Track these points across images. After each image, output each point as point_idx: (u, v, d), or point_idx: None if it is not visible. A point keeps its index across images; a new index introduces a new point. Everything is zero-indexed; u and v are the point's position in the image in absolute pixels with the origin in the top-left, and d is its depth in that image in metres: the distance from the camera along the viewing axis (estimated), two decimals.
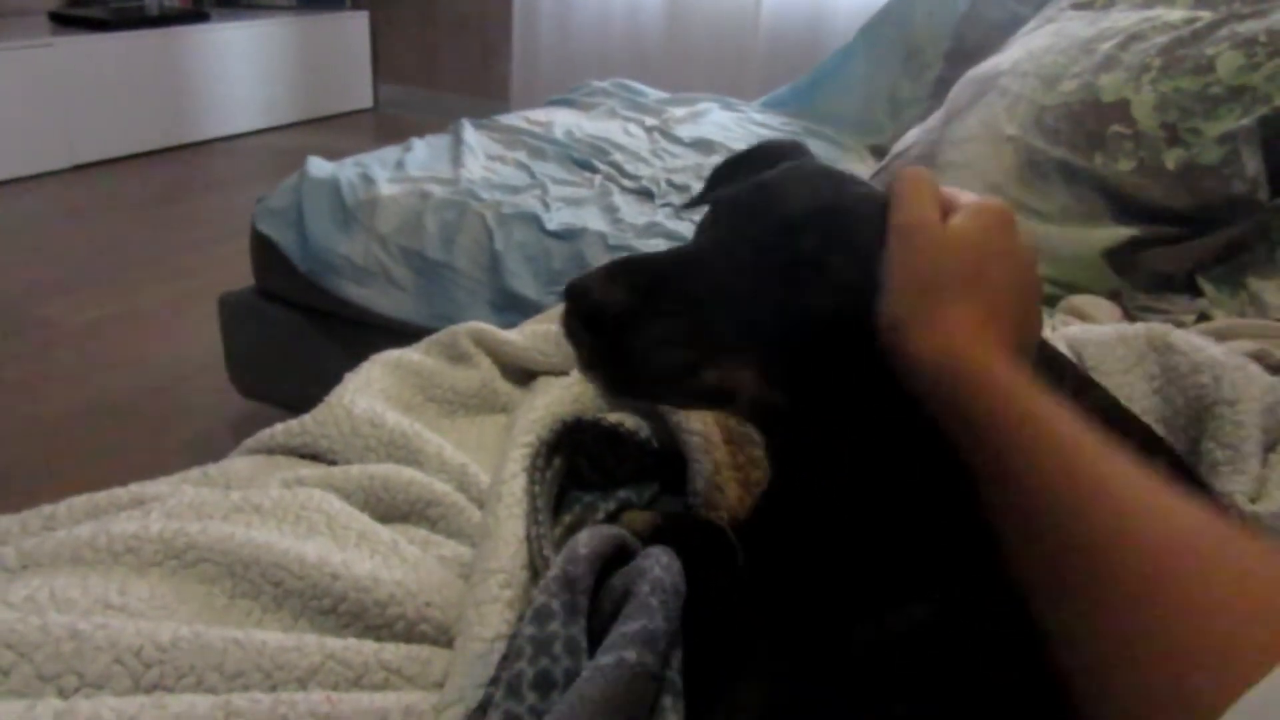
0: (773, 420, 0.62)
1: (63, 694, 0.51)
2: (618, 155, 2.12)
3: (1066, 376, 0.64)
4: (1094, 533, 0.41)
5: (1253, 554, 0.40)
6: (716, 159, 2.14)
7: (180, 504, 0.69)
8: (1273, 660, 0.34)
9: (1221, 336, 1.09)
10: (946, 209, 0.55)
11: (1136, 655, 0.38)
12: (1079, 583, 0.41)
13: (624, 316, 0.51)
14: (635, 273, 0.53)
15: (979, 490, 0.48)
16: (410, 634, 0.65)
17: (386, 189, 1.89)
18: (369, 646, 0.61)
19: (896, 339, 0.52)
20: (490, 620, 0.61)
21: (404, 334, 1.39)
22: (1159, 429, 0.81)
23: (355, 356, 1.01)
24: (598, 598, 0.64)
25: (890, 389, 0.53)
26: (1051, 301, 1.37)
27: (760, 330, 0.54)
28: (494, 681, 0.58)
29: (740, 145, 2.24)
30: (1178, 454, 0.67)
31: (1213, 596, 0.38)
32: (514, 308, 1.63)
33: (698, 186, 1.97)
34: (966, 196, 0.56)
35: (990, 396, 0.48)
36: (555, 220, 1.76)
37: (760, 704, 0.61)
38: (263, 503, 0.70)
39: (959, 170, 1.57)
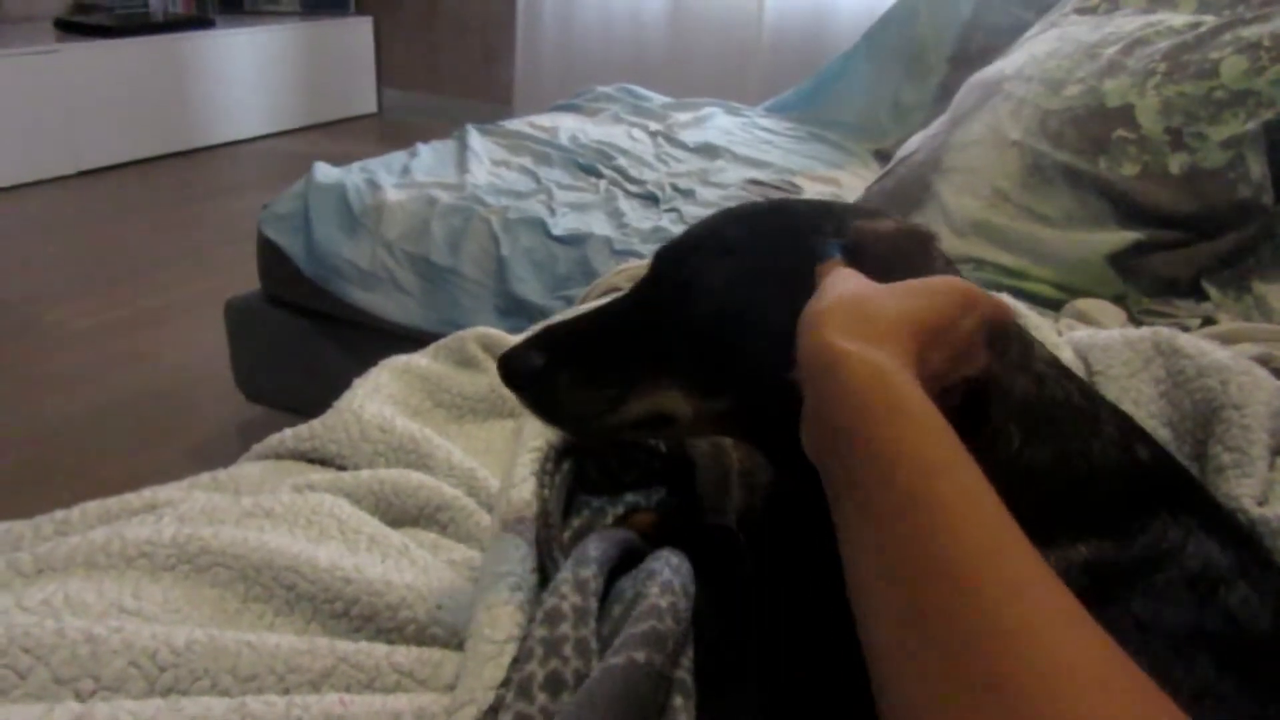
0: (740, 428, 0.68)
1: (79, 697, 0.51)
2: (622, 160, 2.12)
3: (1072, 387, 0.64)
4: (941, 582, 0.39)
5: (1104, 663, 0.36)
6: (721, 164, 2.15)
7: (193, 509, 0.69)
8: None
9: (1227, 341, 1.10)
10: None
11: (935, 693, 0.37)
12: (902, 609, 0.40)
13: (539, 374, 0.64)
14: (551, 336, 0.67)
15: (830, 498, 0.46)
16: (421, 637, 0.65)
17: (393, 194, 1.89)
18: (380, 649, 0.62)
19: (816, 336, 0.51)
20: (501, 623, 0.62)
21: (410, 339, 1.39)
22: (1165, 433, 0.81)
23: (361, 361, 1.02)
24: (607, 600, 0.64)
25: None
26: (1056, 306, 1.38)
27: (663, 358, 0.64)
28: (505, 683, 0.58)
29: (744, 150, 2.25)
30: (1180, 465, 0.68)
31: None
32: (520, 313, 1.64)
33: (702, 191, 1.98)
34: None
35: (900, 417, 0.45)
36: (561, 225, 1.76)
37: (770, 703, 0.62)
38: (274, 508, 0.71)
39: (963, 175, 1.58)
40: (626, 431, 0.68)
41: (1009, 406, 0.60)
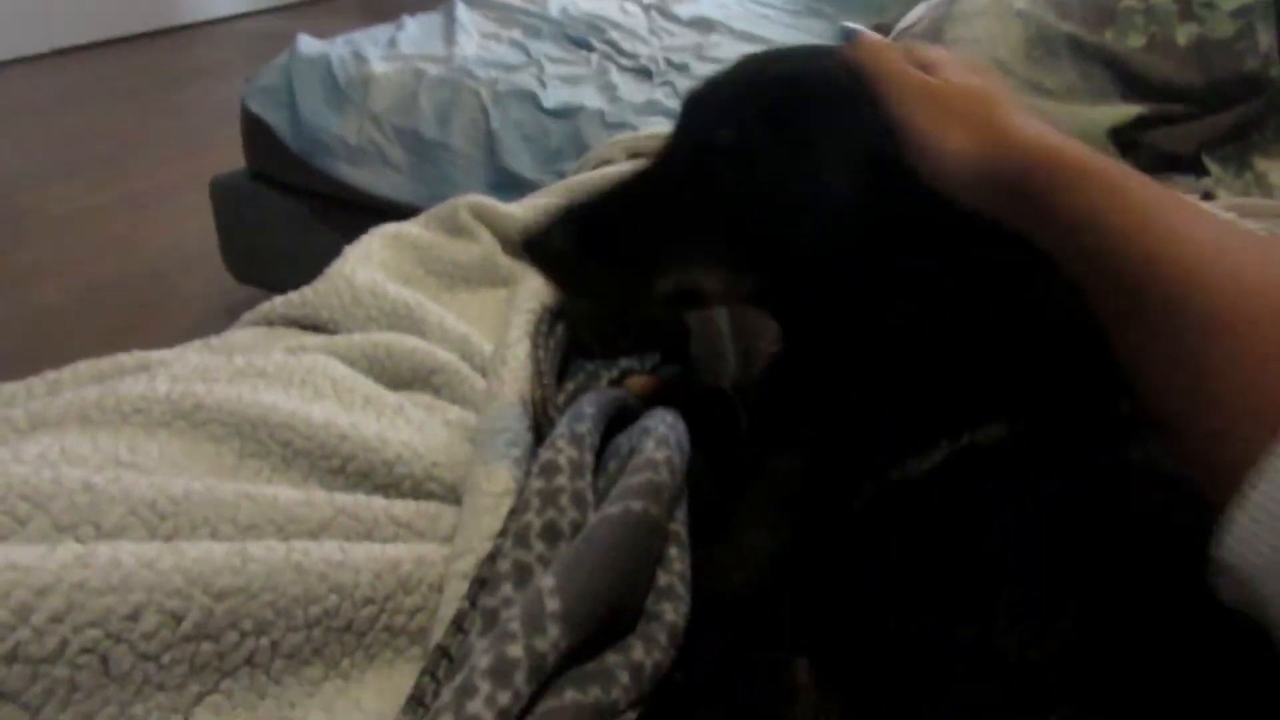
0: (767, 300, 0.65)
1: (80, 543, 0.51)
2: (614, 33, 2.06)
3: None
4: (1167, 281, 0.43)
5: None
6: (716, 38, 2.10)
7: (185, 368, 0.69)
8: None
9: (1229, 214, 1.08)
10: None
11: (1199, 400, 0.40)
12: (1151, 329, 0.43)
13: (566, 254, 0.62)
14: (576, 214, 0.63)
15: (1076, 278, 0.48)
16: (418, 493, 0.66)
17: (379, 67, 1.84)
18: (379, 502, 0.62)
19: (950, 161, 0.52)
20: (498, 476, 0.62)
21: (400, 216, 1.37)
22: None
23: (352, 239, 0.99)
24: (603, 457, 0.65)
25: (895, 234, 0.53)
26: None
27: (693, 232, 0.60)
28: (502, 533, 0.59)
29: (739, 25, 2.18)
30: None
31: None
32: (512, 187, 1.61)
33: (697, 65, 1.93)
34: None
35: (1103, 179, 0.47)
36: (552, 98, 1.72)
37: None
38: (267, 367, 0.70)
39: (966, 46, 1.53)
40: (654, 308, 0.66)
41: None
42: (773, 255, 0.59)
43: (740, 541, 0.60)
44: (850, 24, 0.60)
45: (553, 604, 0.50)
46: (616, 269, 0.62)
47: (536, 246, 0.63)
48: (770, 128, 0.58)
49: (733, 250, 0.60)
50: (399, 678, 0.56)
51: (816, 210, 0.57)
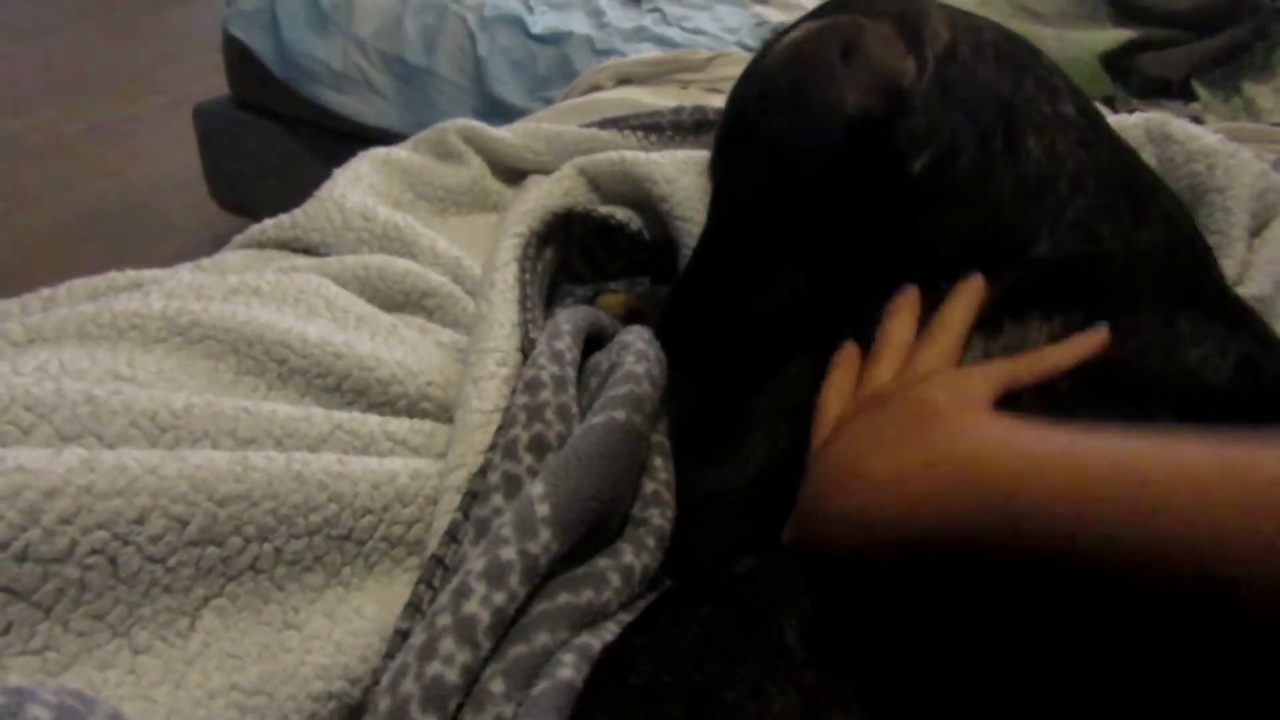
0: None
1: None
2: None
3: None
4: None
5: None
6: None
7: (179, 286, 0.69)
8: None
9: None
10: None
11: None
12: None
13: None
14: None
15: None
16: (412, 411, 0.67)
17: None
18: (375, 419, 0.63)
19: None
20: (488, 394, 0.63)
21: (387, 143, 1.36)
22: None
23: (338, 166, 0.99)
24: (583, 374, 0.66)
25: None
26: None
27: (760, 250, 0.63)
28: (492, 448, 0.60)
29: None
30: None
31: None
32: (499, 114, 1.60)
33: None
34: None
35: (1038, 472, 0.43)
36: (540, 24, 1.70)
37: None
38: (260, 285, 0.71)
39: None
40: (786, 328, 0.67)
41: None
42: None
43: (744, 445, 0.62)
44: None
45: (543, 509, 0.52)
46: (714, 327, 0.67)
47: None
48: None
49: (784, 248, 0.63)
50: (397, 586, 0.58)
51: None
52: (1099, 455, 0.42)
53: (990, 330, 0.58)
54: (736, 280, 0.64)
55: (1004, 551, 0.43)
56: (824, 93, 0.57)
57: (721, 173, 0.66)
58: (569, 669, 0.47)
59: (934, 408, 0.49)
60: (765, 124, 0.60)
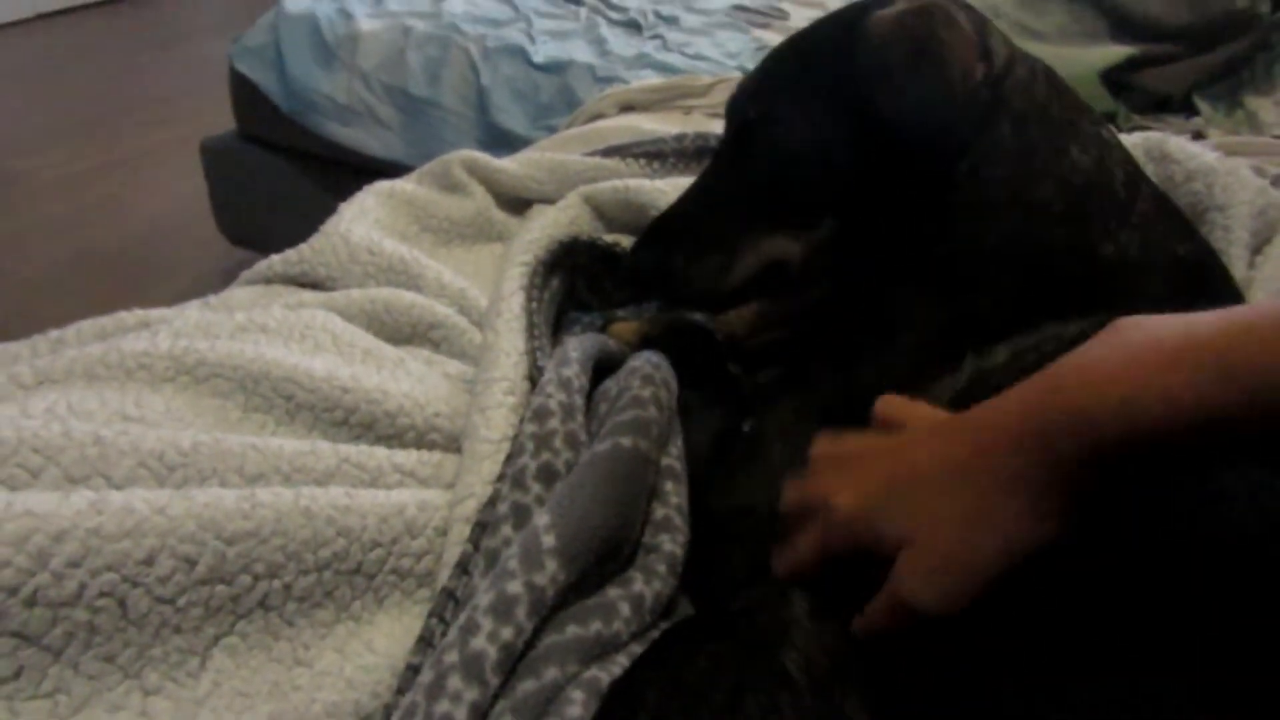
0: (846, 251, 0.67)
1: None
2: None
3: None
4: None
5: None
6: None
7: (187, 324, 0.70)
8: None
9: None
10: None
11: None
12: None
13: (657, 267, 0.69)
14: (656, 229, 0.71)
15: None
16: (420, 443, 0.67)
17: (366, 24, 1.83)
18: (382, 452, 0.63)
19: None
20: (496, 423, 0.63)
21: (393, 174, 1.37)
22: None
23: (345, 199, 1.00)
24: (593, 400, 0.66)
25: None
26: None
27: (759, 205, 0.66)
28: (500, 478, 0.60)
29: None
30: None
31: None
32: (503, 144, 1.61)
33: (686, 17, 1.92)
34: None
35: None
36: (542, 53, 1.71)
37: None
38: (268, 322, 0.71)
39: None
40: (748, 290, 0.70)
41: None
42: (824, 198, 0.65)
43: (770, 457, 0.62)
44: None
45: (549, 539, 0.52)
46: (701, 261, 0.68)
47: (632, 270, 0.71)
48: (780, 94, 0.66)
49: (792, 207, 0.66)
50: (408, 619, 0.58)
51: (835, 149, 0.64)
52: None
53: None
54: (733, 228, 0.67)
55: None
56: (947, 66, 0.59)
57: (767, 118, 0.67)
58: (577, 706, 0.47)
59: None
60: (878, 83, 0.61)
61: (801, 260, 0.67)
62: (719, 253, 0.67)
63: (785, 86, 0.66)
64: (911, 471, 0.46)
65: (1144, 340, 0.41)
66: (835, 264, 0.67)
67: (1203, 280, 0.62)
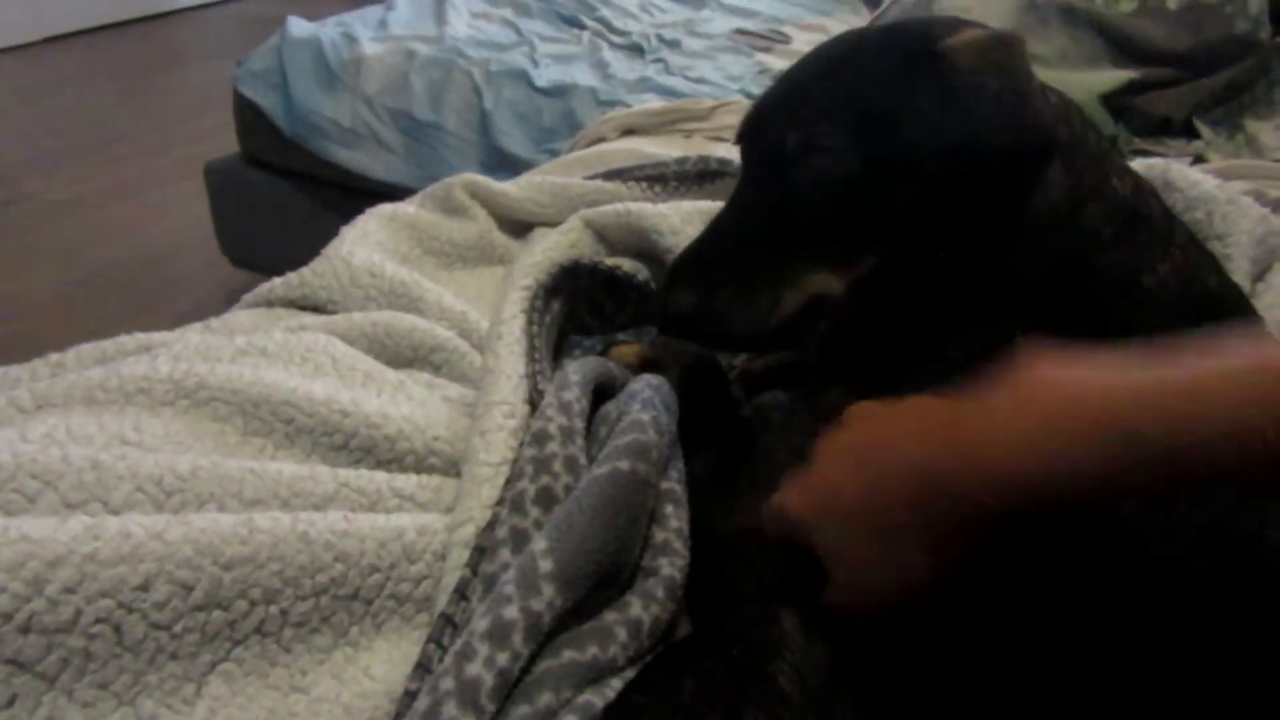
0: (889, 283, 0.64)
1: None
2: (605, 11, 2.06)
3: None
4: None
5: None
6: (707, 13, 2.09)
7: (187, 348, 0.70)
8: None
9: (1218, 178, 1.09)
10: None
11: None
12: None
13: (699, 310, 0.62)
14: (689, 268, 0.65)
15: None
16: (420, 467, 0.67)
17: (370, 48, 1.84)
18: (381, 476, 0.63)
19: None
20: (496, 447, 0.63)
21: (396, 197, 1.38)
22: None
23: (347, 222, 1.00)
24: (593, 425, 0.66)
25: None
26: None
27: (797, 241, 0.62)
28: (500, 502, 0.60)
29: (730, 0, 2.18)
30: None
31: None
32: (506, 167, 1.61)
33: (688, 41, 1.93)
34: None
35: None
36: (544, 77, 1.72)
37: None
38: (268, 346, 0.71)
39: (956, 15, 1.53)
40: (789, 329, 0.65)
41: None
42: (866, 231, 0.62)
43: (779, 477, 0.61)
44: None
45: (545, 565, 0.51)
46: (742, 303, 0.63)
47: (669, 312, 0.64)
48: (824, 121, 0.60)
49: (833, 240, 0.62)
50: (406, 645, 0.58)
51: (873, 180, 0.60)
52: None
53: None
54: (774, 265, 0.63)
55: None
56: (1034, 98, 0.59)
57: (809, 146, 0.61)
58: None
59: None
60: (971, 113, 0.58)
61: (841, 298, 0.63)
62: (762, 292, 0.62)
63: (832, 113, 0.61)
64: (836, 498, 0.50)
65: (1056, 405, 0.43)
66: (878, 295, 0.64)
67: (1229, 313, 0.62)
